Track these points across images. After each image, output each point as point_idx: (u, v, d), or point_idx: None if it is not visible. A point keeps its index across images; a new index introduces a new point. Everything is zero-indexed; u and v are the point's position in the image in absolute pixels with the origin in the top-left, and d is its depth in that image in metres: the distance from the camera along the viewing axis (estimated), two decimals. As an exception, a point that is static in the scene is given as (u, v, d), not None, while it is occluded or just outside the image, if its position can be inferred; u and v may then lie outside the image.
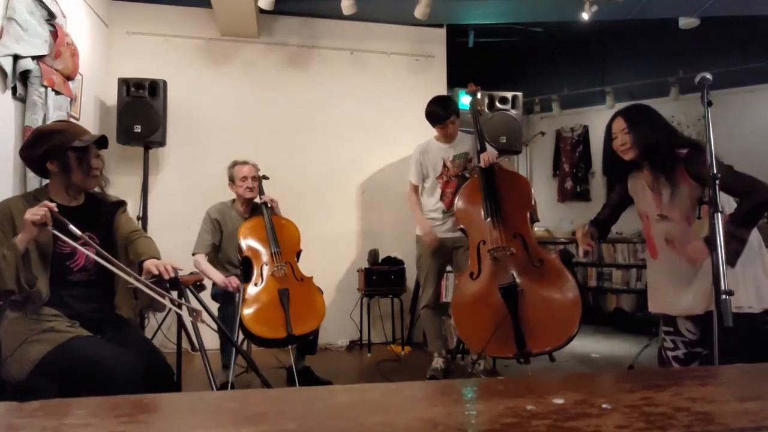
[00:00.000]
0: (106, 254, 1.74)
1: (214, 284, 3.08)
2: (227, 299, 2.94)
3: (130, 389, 1.60)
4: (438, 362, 3.33)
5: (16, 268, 1.66)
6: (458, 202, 3.11)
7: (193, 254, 3.06)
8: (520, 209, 2.85)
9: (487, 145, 3.28)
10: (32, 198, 1.85)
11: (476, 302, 2.79)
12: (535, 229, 3.15)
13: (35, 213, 1.63)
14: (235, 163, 3.20)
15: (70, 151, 1.83)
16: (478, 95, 3.36)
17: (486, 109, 4.31)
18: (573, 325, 2.48)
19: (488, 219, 2.86)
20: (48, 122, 2.96)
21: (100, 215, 1.98)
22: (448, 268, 3.52)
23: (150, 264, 1.86)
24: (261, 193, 3.19)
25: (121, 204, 2.10)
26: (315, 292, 2.99)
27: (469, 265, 2.90)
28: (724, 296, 1.51)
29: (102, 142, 1.93)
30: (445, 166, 3.30)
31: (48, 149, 1.82)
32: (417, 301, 4.46)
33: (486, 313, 2.70)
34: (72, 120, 1.92)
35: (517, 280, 2.66)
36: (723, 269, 1.54)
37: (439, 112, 3.24)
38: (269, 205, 3.12)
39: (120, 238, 2.00)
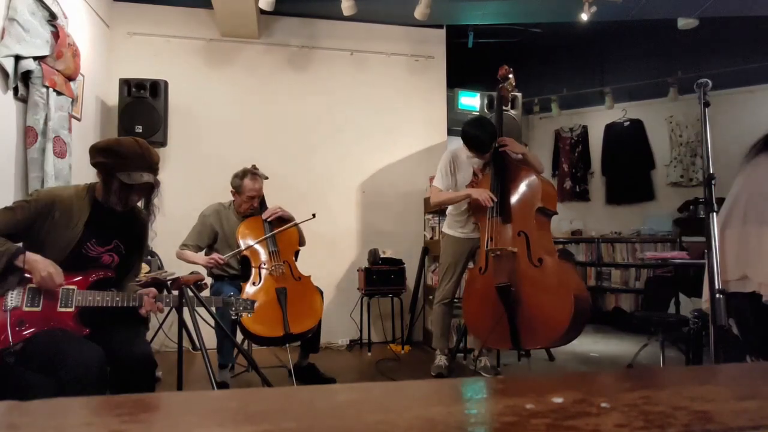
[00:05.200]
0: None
1: (213, 284, 3.08)
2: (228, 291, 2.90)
3: (87, 384, 1.59)
4: (441, 360, 3.35)
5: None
6: (471, 200, 3.11)
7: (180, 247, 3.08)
8: (527, 207, 2.87)
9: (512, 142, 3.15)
10: (84, 191, 1.90)
11: (480, 296, 2.91)
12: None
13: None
14: (245, 174, 3.07)
15: (115, 178, 1.83)
16: (511, 78, 3.11)
17: (486, 110, 4.31)
18: (562, 326, 2.52)
19: (492, 218, 2.91)
20: (49, 122, 2.97)
21: (134, 227, 2.02)
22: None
23: (146, 305, 1.88)
24: (263, 206, 3.13)
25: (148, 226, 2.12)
26: (312, 291, 2.99)
27: (479, 260, 2.94)
28: (718, 295, 1.51)
29: (149, 188, 1.90)
30: (474, 174, 3.26)
31: (98, 164, 1.85)
32: (417, 300, 4.47)
33: (487, 308, 2.82)
34: (140, 140, 1.92)
35: (512, 281, 2.70)
36: (717, 269, 1.54)
37: (485, 141, 3.00)
38: (270, 220, 3.05)
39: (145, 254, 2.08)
